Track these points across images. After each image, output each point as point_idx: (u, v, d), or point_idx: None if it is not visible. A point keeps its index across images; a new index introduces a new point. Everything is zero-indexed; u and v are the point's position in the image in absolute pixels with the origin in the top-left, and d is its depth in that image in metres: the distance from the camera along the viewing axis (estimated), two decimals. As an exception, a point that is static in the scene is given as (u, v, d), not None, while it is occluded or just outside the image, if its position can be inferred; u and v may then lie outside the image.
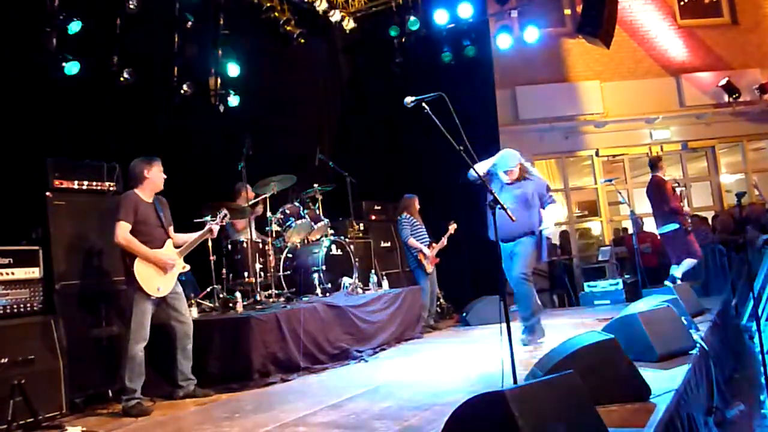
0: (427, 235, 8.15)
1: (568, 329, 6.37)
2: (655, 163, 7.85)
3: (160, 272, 4.71)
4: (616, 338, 3.36)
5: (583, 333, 3.53)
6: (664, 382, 3.41)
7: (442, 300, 9.06)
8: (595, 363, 3.15)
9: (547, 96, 11.70)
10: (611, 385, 3.14)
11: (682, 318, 4.53)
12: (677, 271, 7.62)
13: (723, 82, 11.89)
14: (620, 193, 8.96)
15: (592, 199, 12.80)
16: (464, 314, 8.19)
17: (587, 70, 12.01)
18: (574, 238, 12.42)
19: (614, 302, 8.83)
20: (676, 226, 7.50)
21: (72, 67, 5.89)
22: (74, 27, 5.92)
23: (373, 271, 7.78)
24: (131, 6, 6.50)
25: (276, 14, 8.32)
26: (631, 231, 9.97)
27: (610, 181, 8.88)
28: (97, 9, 6.34)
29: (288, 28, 8.52)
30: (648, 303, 4.74)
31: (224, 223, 5.31)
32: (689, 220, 7.72)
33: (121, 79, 6.41)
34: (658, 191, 7.68)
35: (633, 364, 3.28)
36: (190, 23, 7.26)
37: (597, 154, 12.25)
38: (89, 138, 5.87)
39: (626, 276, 9.50)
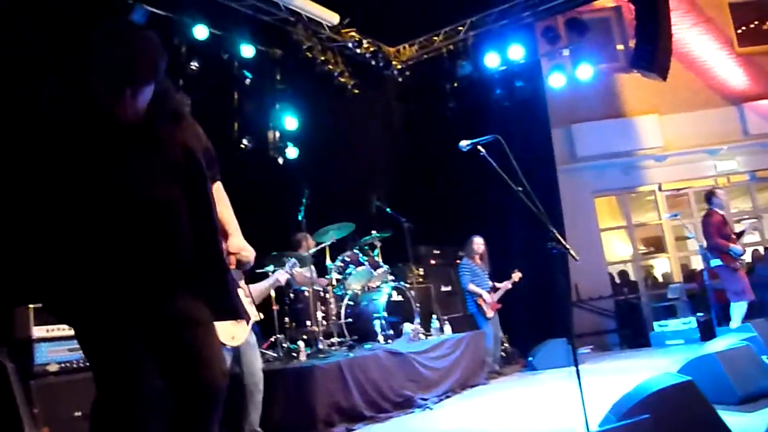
0: (488, 280, 8.05)
1: (640, 371, 6.13)
2: (707, 198, 7.76)
3: (234, 321, 4.78)
4: (693, 380, 3.22)
5: (658, 375, 3.39)
6: (747, 426, 3.24)
7: (506, 344, 8.88)
8: (672, 407, 3.02)
9: (604, 132, 11.53)
10: (690, 430, 3.00)
11: (763, 356, 4.31)
12: (733, 320, 7.34)
13: (788, 108, 11.51)
14: (687, 227, 8.68)
15: (657, 235, 12.43)
16: (530, 358, 7.99)
17: (644, 103, 11.81)
18: (640, 275, 12.05)
19: (688, 342, 8.48)
20: (718, 262, 7.36)
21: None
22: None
23: (434, 316, 7.71)
24: (193, 67, 6.83)
25: (330, 67, 8.55)
26: (701, 267, 9.61)
27: (676, 215, 8.61)
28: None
29: (342, 79, 8.74)
30: (725, 342, 4.54)
31: (293, 272, 5.40)
32: (738, 257, 7.43)
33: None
34: (704, 226, 7.64)
35: (713, 408, 3.13)
36: (248, 80, 7.57)
37: (660, 189, 11.94)
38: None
39: (699, 314, 9.13)
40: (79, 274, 2.07)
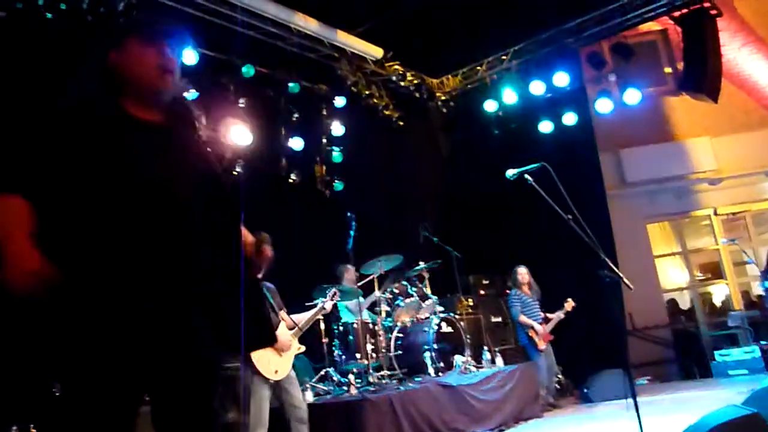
0: (539, 311, 7.91)
1: (703, 404, 5.90)
2: None
3: (276, 355, 4.81)
4: (759, 412, 3.08)
5: (722, 407, 3.26)
6: (822, 461, 3.06)
7: (560, 375, 8.66)
8: (739, 441, 2.89)
9: (655, 156, 11.30)
10: (760, 465, 2.86)
11: (835, 387, 4.09)
12: None
13: None
14: (746, 252, 8.38)
15: (714, 260, 12.03)
16: (586, 390, 7.78)
17: (695, 126, 11.54)
18: (698, 303, 11.66)
19: (752, 372, 8.13)
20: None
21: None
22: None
23: (485, 347, 7.60)
24: (241, 105, 7.01)
25: (375, 100, 8.66)
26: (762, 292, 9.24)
27: (733, 240, 8.33)
28: (211, 110, 6.87)
29: (387, 112, 8.84)
30: (792, 371, 4.33)
31: (335, 301, 5.45)
32: None
33: (234, 173, 6.82)
34: None
35: (783, 442, 2.98)
36: (295, 116, 7.72)
37: (715, 213, 11.58)
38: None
39: (762, 342, 8.75)
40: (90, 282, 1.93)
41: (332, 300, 5.42)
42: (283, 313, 5.10)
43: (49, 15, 5.20)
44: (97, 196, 1.96)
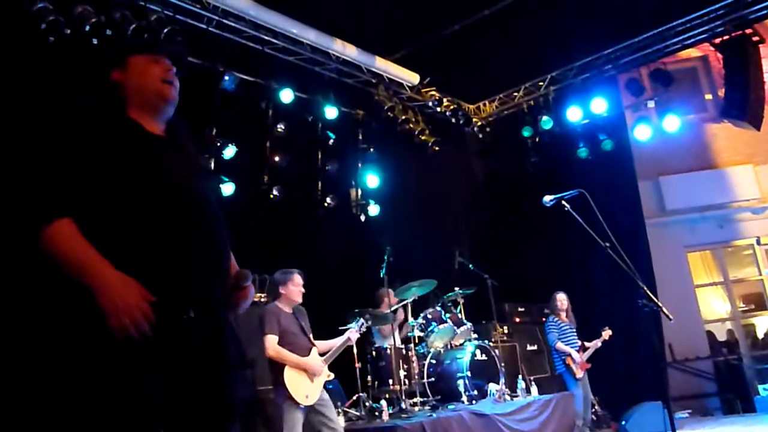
0: (576, 338, 7.77)
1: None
2: None
3: (308, 380, 4.82)
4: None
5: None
6: None
7: (597, 407, 8.46)
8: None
9: (695, 184, 11.10)
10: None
11: None
12: None
13: None
14: (791, 283, 8.14)
15: (757, 291, 11.70)
16: (623, 422, 7.58)
17: (737, 154, 11.32)
18: (741, 334, 11.32)
19: (799, 407, 7.85)
20: None
21: (227, 188, 6.48)
22: (229, 152, 6.54)
23: (520, 376, 7.47)
24: (279, 129, 7.12)
25: (411, 126, 8.68)
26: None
27: (778, 271, 8.10)
28: (249, 134, 7.00)
29: (423, 137, 8.84)
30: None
31: (362, 331, 5.44)
32: None
33: (271, 196, 6.92)
34: None
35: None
36: (331, 141, 7.81)
37: (758, 243, 11.29)
38: (242, 251, 6.28)
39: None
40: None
41: (360, 331, 5.42)
42: (311, 338, 5.12)
43: (95, 41, 5.35)
44: (142, 206, 1.95)
